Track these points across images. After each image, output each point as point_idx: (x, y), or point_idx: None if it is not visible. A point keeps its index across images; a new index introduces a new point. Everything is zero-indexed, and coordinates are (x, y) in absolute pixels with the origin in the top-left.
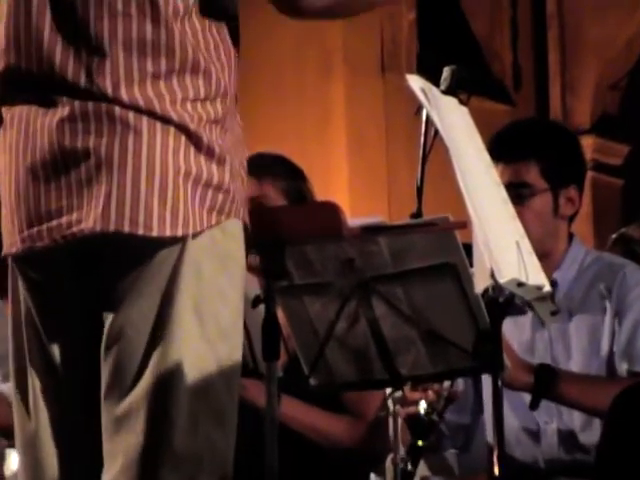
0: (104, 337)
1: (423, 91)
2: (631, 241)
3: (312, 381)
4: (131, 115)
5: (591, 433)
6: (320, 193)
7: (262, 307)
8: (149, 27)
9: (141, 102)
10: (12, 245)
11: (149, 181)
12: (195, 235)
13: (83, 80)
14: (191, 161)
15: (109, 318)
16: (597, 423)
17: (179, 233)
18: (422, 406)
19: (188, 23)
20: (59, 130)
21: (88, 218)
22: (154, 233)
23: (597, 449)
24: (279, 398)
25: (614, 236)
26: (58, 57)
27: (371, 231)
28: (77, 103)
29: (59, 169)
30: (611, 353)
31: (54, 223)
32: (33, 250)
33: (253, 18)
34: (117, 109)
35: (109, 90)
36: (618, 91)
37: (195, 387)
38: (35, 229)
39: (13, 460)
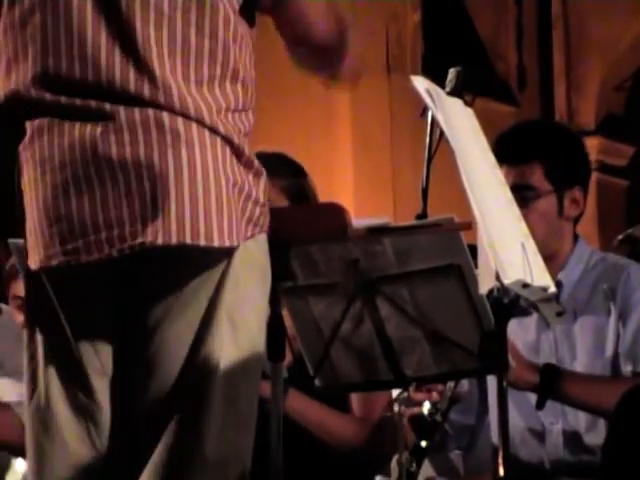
0: (141, 342)
1: (428, 92)
2: (637, 242)
3: (317, 382)
4: (180, 124)
5: (596, 434)
6: (325, 193)
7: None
8: (193, 32)
9: (191, 110)
10: (50, 258)
11: (206, 192)
12: (238, 246)
13: (132, 85)
14: (237, 173)
15: (150, 326)
16: (602, 424)
17: (234, 243)
18: (426, 407)
19: (232, 29)
20: (104, 140)
21: (147, 231)
22: (215, 243)
23: (602, 450)
24: (286, 391)
25: (620, 237)
26: (104, 60)
27: (376, 232)
28: (122, 110)
29: (105, 180)
30: (616, 354)
31: (103, 236)
32: (77, 263)
33: (258, 17)
34: (166, 118)
35: (160, 97)
36: (623, 92)
37: (226, 393)
38: (80, 242)
39: (18, 467)
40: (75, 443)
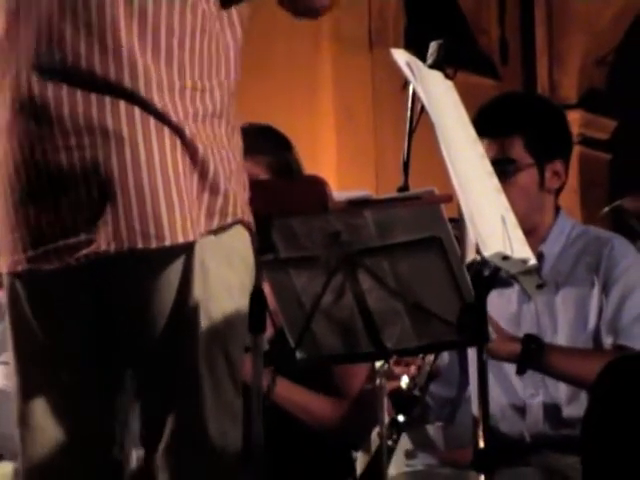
0: (115, 347)
1: (409, 65)
2: (625, 214)
3: (298, 354)
4: (123, 113)
5: (577, 407)
6: (308, 167)
7: None
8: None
9: (140, 88)
10: (16, 263)
11: (154, 192)
12: (200, 238)
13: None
14: (187, 165)
15: (121, 331)
16: (583, 397)
17: (190, 238)
18: (404, 381)
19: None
20: (52, 146)
21: (99, 238)
22: (167, 242)
23: (583, 422)
24: (274, 380)
25: (607, 208)
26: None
27: (357, 205)
28: (66, 111)
29: (57, 188)
30: (598, 326)
31: (61, 244)
32: (40, 270)
33: None
34: (108, 108)
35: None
36: (605, 66)
37: (207, 384)
38: (41, 249)
39: None
40: (53, 431)
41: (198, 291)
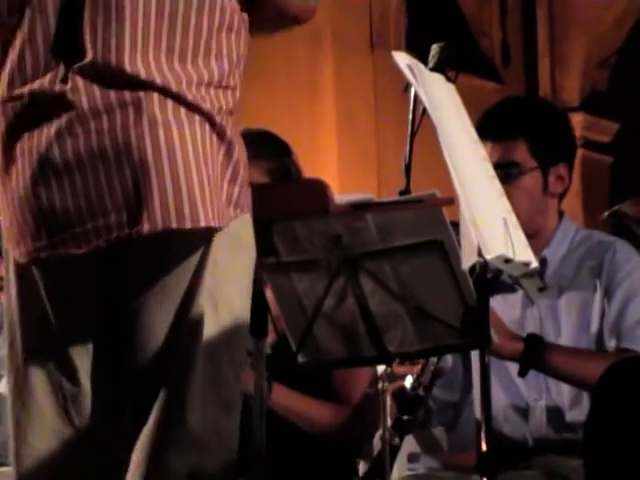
0: (125, 326)
1: (410, 68)
2: (625, 217)
3: (300, 358)
4: (156, 102)
5: (580, 411)
6: (309, 170)
7: None
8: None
9: (171, 83)
10: (38, 250)
11: (188, 174)
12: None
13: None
14: (215, 153)
15: (133, 310)
16: (586, 401)
17: (220, 224)
18: (408, 381)
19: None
20: (84, 128)
21: (131, 220)
22: (202, 224)
23: (585, 425)
24: (270, 386)
25: (607, 213)
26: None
27: (358, 208)
28: (97, 92)
29: (85, 170)
30: (601, 330)
31: (89, 226)
32: (64, 254)
33: None
34: (142, 96)
35: (131, 67)
36: (607, 68)
37: (207, 375)
38: (67, 234)
39: None
40: (53, 421)
41: (208, 281)
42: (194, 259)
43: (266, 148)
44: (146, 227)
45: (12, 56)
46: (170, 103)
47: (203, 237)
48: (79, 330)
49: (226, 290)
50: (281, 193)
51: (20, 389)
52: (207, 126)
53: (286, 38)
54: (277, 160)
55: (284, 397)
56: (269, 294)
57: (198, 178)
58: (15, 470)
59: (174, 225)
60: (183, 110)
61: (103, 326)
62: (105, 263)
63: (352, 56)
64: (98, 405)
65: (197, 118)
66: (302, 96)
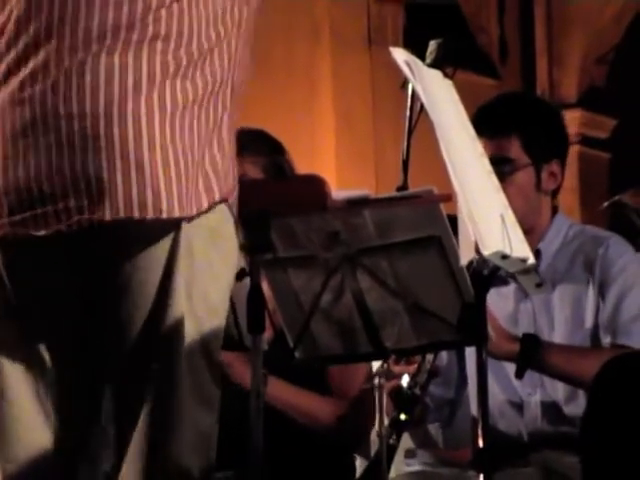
0: (98, 317)
1: (408, 64)
2: (625, 208)
3: (297, 354)
4: (130, 80)
5: (575, 405)
6: (307, 166)
7: (247, 280)
8: None
9: (144, 66)
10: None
11: (154, 162)
12: (191, 216)
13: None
14: (187, 139)
15: (106, 300)
16: (581, 395)
17: (185, 214)
18: (405, 380)
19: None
20: (54, 104)
21: (93, 205)
22: (164, 215)
23: (582, 421)
24: (265, 379)
25: (607, 203)
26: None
27: (356, 204)
28: (74, 64)
29: (51, 149)
30: (595, 325)
31: (50, 209)
32: (25, 235)
33: None
34: (116, 69)
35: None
36: (605, 64)
37: (181, 367)
38: (29, 213)
39: None
40: (29, 415)
41: (183, 271)
42: (165, 247)
43: (261, 145)
44: (107, 214)
45: None
46: (144, 81)
47: (174, 225)
48: (46, 318)
49: (202, 281)
50: (279, 189)
51: None
52: (179, 116)
53: (284, 34)
54: (272, 157)
55: (280, 390)
56: (266, 290)
57: (164, 166)
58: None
59: (136, 215)
60: (156, 95)
61: (75, 317)
62: (74, 251)
63: (350, 52)
64: (69, 401)
65: (168, 102)
66: (300, 92)
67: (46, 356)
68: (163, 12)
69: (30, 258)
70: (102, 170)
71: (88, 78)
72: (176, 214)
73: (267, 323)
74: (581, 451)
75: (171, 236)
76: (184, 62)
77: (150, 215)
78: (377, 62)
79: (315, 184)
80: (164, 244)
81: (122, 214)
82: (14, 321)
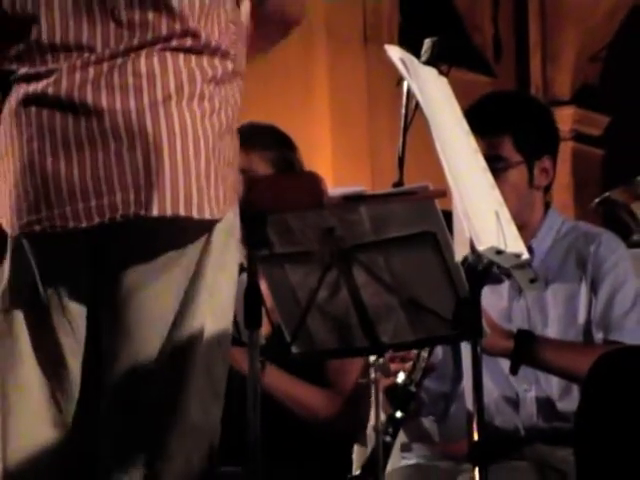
0: (119, 310)
1: (403, 62)
2: (615, 204)
3: (294, 349)
4: (172, 84)
5: (569, 401)
6: (304, 164)
7: (244, 276)
8: None
9: (183, 71)
10: (32, 223)
11: (198, 162)
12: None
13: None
14: (218, 139)
15: (128, 293)
16: (575, 391)
17: (222, 214)
18: (400, 377)
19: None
20: (95, 101)
21: (139, 200)
22: (206, 215)
23: (575, 416)
24: (263, 366)
25: (598, 200)
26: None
27: (352, 200)
28: (118, 61)
29: (96, 145)
30: (588, 321)
31: (92, 203)
32: (63, 229)
33: None
34: (158, 73)
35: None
36: (598, 62)
37: (202, 360)
38: (68, 208)
39: None
40: (41, 403)
41: (210, 268)
42: (198, 246)
43: (272, 140)
44: (155, 210)
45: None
46: (186, 86)
47: (206, 227)
48: (69, 310)
49: (219, 280)
50: (276, 185)
51: (8, 366)
52: (215, 116)
53: None
54: (282, 152)
55: (278, 378)
56: (263, 286)
57: (206, 166)
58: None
59: (182, 213)
60: (197, 98)
61: (96, 309)
62: (104, 245)
63: (346, 51)
64: (86, 390)
65: (207, 105)
66: (296, 90)
67: (62, 341)
68: (202, 21)
69: (59, 251)
70: (150, 167)
71: (130, 78)
72: (216, 215)
73: (265, 320)
74: (575, 444)
75: (205, 235)
76: (219, 69)
77: (195, 214)
78: (373, 60)
79: (312, 181)
80: (199, 244)
81: (169, 212)
82: (39, 311)
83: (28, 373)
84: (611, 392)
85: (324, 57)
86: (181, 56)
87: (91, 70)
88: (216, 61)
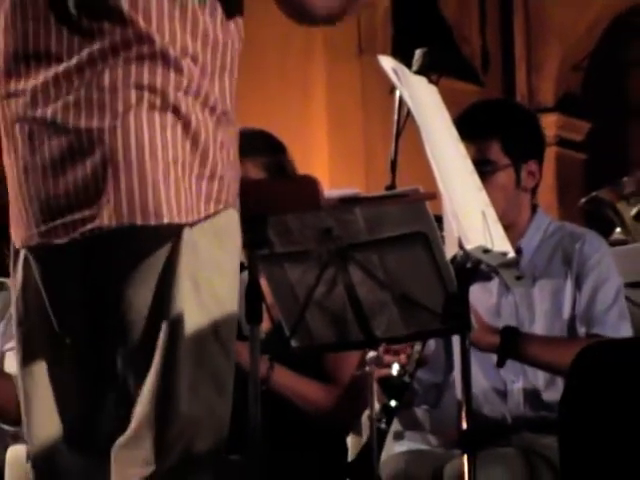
0: (108, 313)
1: (395, 71)
2: (602, 203)
3: (293, 343)
4: (133, 92)
5: (554, 391)
6: (301, 167)
7: (245, 274)
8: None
9: (142, 79)
10: (29, 238)
11: (154, 173)
12: (192, 222)
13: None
14: (179, 149)
15: (115, 297)
16: (560, 382)
17: (184, 220)
18: (394, 368)
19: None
20: (68, 118)
21: (102, 214)
22: (165, 220)
23: (559, 405)
24: (272, 366)
25: (585, 199)
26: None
27: (347, 202)
28: (87, 71)
29: (64, 164)
30: (572, 316)
31: (68, 219)
32: (50, 244)
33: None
34: (120, 82)
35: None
36: (580, 72)
37: (193, 354)
38: (51, 224)
39: None
40: (53, 397)
41: (187, 265)
42: (164, 250)
43: (263, 145)
44: (113, 222)
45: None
46: (146, 94)
47: (172, 231)
48: (67, 317)
49: (210, 277)
50: (275, 189)
51: (25, 366)
52: (180, 126)
53: (280, 44)
54: (273, 156)
55: (284, 376)
56: (264, 284)
57: (164, 178)
58: (28, 444)
59: (139, 221)
60: (158, 107)
61: (90, 316)
62: (89, 256)
63: (342, 61)
64: (85, 388)
65: (170, 116)
66: (295, 98)
67: (68, 346)
68: (166, 32)
69: (54, 263)
70: (107, 181)
71: (95, 94)
72: (175, 220)
73: (265, 316)
74: (559, 432)
75: (172, 239)
76: (186, 77)
77: (152, 221)
78: (367, 70)
79: (310, 184)
80: (166, 245)
81: (126, 221)
82: (45, 320)
83: (41, 376)
84: (593, 383)
85: (322, 67)
86: (146, 66)
87: (63, 86)
88: (184, 70)
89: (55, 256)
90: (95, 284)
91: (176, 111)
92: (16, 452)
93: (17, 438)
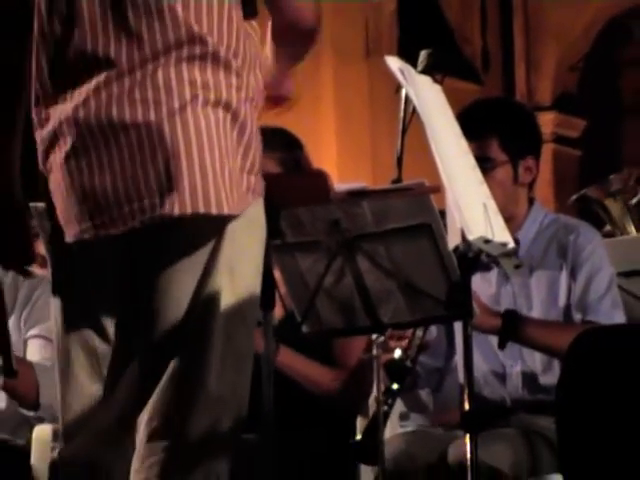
0: (149, 293)
1: (401, 71)
2: (590, 201)
3: (304, 328)
4: (187, 89)
5: (551, 375)
6: (311, 160)
7: None
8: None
9: (195, 77)
10: (83, 232)
11: (213, 163)
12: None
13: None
14: (234, 143)
15: (157, 279)
16: (556, 366)
17: (238, 211)
18: (397, 353)
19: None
20: (120, 115)
21: (164, 202)
22: (225, 211)
23: (556, 388)
24: (278, 348)
25: (575, 197)
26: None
27: (355, 195)
28: (138, 71)
29: (124, 157)
30: (568, 304)
31: (126, 209)
32: (106, 235)
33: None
34: (174, 81)
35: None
36: (576, 72)
37: (225, 334)
38: (106, 216)
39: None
40: (87, 379)
41: (227, 256)
42: (213, 239)
43: (280, 141)
44: (176, 210)
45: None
46: (200, 90)
47: (224, 221)
48: (107, 303)
49: (242, 264)
50: (288, 183)
51: (61, 356)
52: (230, 121)
53: None
54: (290, 152)
55: (290, 358)
56: (276, 273)
57: (221, 168)
58: (60, 428)
59: (201, 210)
60: (212, 103)
61: (128, 297)
62: (133, 241)
63: (350, 62)
64: (121, 367)
65: (221, 112)
66: (306, 98)
67: (107, 328)
68: (215, 33)
69: (99, 253)
70: (170, 172)
71: (150, 92)
72: (233, 211)
73: (278, 304)
74: (556, 414)
75: (220, 227)
76: (233, 72)
77: (214, 211)
78: (374, 70)
79: (320, 178)
80: (215, 235)
81: (189, 210)
82: (80, 304)
83: (76, 358)
84: (589, 367)
85: (330, 68)
86: (196, 65)
87: (114, 87)
88: (232, 66)
89: (104, 244)
90: (143, 271)
91: (227, 106)
92: (42, 431)
93: (42, 419)
